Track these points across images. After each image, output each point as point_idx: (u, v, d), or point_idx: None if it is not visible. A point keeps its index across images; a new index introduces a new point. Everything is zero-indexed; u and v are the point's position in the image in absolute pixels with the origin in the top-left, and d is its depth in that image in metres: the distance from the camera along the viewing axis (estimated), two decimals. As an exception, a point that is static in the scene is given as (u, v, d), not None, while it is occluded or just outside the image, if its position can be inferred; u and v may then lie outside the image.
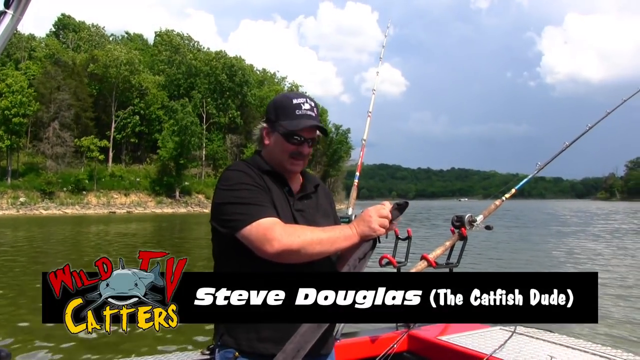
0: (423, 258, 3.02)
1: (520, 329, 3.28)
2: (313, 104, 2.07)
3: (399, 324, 3.36)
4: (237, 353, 1.92)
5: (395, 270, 3.31)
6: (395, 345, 3.14)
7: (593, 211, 71.04)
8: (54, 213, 61.91)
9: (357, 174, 3.73)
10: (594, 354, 2.88)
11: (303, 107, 2.04)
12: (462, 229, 3.05)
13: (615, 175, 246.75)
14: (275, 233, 1.80)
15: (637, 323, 8.36)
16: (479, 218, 3.10)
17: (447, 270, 3.24)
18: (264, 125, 2.10)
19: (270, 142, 2.08)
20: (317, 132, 2.09)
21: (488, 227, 3.14)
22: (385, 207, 1.98)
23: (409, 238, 3.33)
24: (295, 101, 2.06)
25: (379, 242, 2.01)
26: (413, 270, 2.98)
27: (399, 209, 1.99)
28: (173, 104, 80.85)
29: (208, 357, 2.61)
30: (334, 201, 2.35)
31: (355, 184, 3.67)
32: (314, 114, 2.07)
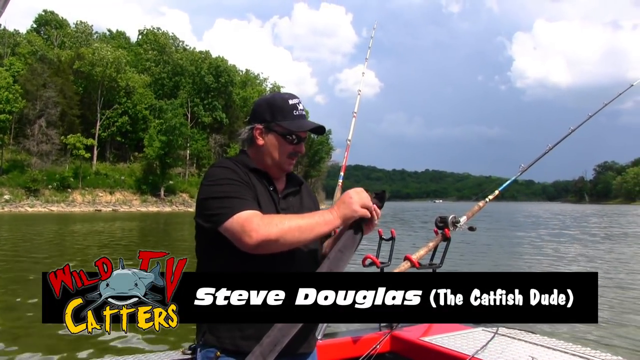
0: (406, 259, 2.96)
1: (502, 330, 3.24)
2: (302, 104, 2.10)
3: (382, 325, 3.31)
4: (218, 352, 1.88)
5: (378, 271, 3.24)
6: (378, 346, 3.10)
7: (569, 213, 71.81)
8: (40, 210, 60.81)
9: (342, 174, 3.67)
10: (574, 355, 2.87)
11: (298, 108, 2.06)
12: (446, 229, 2.99)
13: (585, 178, 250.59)
14: (253, 224, 1.76)
15: (618, 324, 8.39)
16: (463, 219, 3.05)
17: (430, 271, 3.19)
18: (257, 125, 2.06)
19: (264, 142, 2.05)
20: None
21: (471, 228, 3.09)
22: (361, 189, 1.94)
23: (392, 239, 3.27)
24: (291, 102, 2.06)
25: (363, 232, 1.95)
26: (396, 271, 2.92)
27: (378, 198, 1.95)
28: (161, 104, 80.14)
29: (189, 356, 2.53)
30: (317, 200, 2.32)
31: (340, 184, 3.61)
32: (304, 112, 2.10)
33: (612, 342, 7.27)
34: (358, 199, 1.88)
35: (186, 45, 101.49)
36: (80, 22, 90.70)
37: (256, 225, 1.75)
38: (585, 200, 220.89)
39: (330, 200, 3.57)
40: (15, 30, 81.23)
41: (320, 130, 2.08)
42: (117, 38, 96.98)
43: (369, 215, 1.91)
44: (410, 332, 3.23)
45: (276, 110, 2.04)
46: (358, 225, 1.92)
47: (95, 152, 75.04)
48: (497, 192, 3.20)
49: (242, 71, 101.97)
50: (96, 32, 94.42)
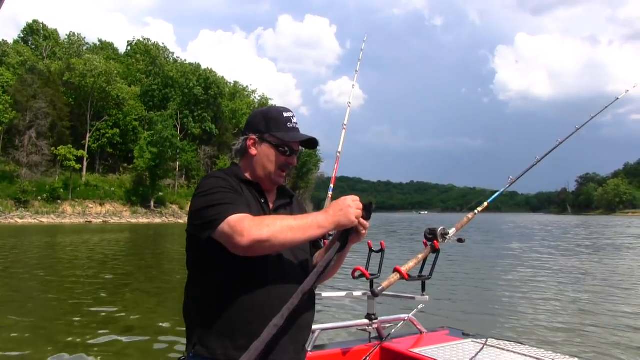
0: (395, 270, 2.92)
1: (491, 341, 3.21)
2: (296, 119, 2.10)
3: (371, 337, 3.27)
4: None
5: (368, 282, 3.22)
6: (367, 358, 3.08)
7: (554, 224, 72.12)
8: (30, 222, 59.88)
9: (332, 185, 3.64)
10: None
11: (292, 121, 2.07)
12: (435, 241, 2.96)
13: (567, 190, 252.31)
14: (244, 224, 1.73)
15: (607, 335, 8.36)
16: (452, 231, 3.01)
17: (419, 282, 3.17)
18: (251, 135, 2.06)
19: (257, 153, 2.05)
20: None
21: (460, 240, 3.05)
22: (357, 198, 1.88)
23: (382, 250, 3.25)
24: (285, 115, 2.07)
25: (350, 243, 1.90)
26: (385, 283, 2.88)
27: (365, 209, 1.88)
28: (152, 115, 79.68)
29: None
30: (307, 213, 2.27)
31: (330, 195, 3.59)
32: (298, 126, 2.09)
33: (600, 353, 7.24)
34: (355, 208, 1.84)
35: (177, 57, 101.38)
36: (73, 33, 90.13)
37: (247, 225, 1.72)
38: (568, 212, 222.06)
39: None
40: (3, 40, 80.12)
41: (313, 143, 2.08)
42: (106, 49, 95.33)
43: (360, 226, 1.87)
44: (400, 343, 3.20)
45: (271, 121, 2.04)
46: (345, 238, 1.88)
47: (85, 163, 74.26)
48: (486, 204, 3.17)
49: (230, 83, 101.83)
50: (87, 44, 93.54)
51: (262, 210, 1.98)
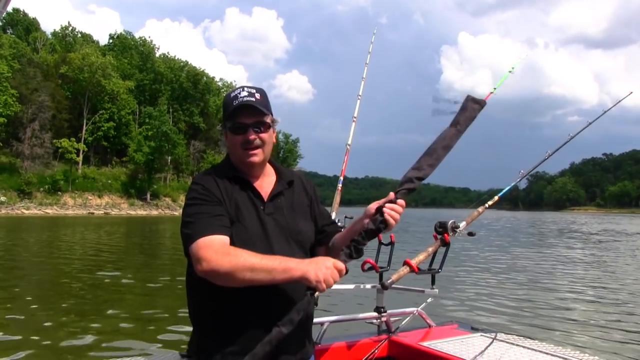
0: (405, 263, 2.66)
1: (501, 335, 3.00)
2: (253, 91, 1.82)
3: (380, 330, 3.03)
4: None
5: (377, 275, 2.95)
6: (376, 351, 2.92)
7: (514, 220, 72.04)
8: (36, 213, 58.39)
9: (341, 178, 3.40)
10: None
11: (239, 96, 1.79)
12: (445, 235, 2.72)
13: (518, 187, 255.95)
14: (206, 253, 1.61)
15: (614, 330, 8.06)
16: (462, 225, 2.78)
17: (429, 275, 2.95)
18: (223, 129, 1.88)
19: (227, 143, 1.87)
20: (268, 115, 1.81)
21: (471, 234, 2.87)
22: (343, 265, 1.65)
23: (392, 243, 3.07)
24: (232, 94, 1.83)
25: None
26: (395, 276, 2.61)
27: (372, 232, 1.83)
28: (150, 110, 77.53)
29: None
30: (316, 190, 2.07)
31: (339, 188, 3.35)
32: (253, 99, 1.79)
33: (610, 347, 6.94)
34: (331, 271, 1.61)
35: (164, 52, 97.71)
36: (69, 24, 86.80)
37: (209, 255, 1.60)
38: (520, 208, 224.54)
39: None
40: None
41: (251, 107, 1.77)
42: (87, 42, 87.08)
43: (324, 290, 1.61)
44: (408, 337, 3.00)
45: (225, 107, 1.85)
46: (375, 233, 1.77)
47: (81, 156, 71.54)
48: (496, 197, 3.00)
49: (218, 80, 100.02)
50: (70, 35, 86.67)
51: (252, 204, 1.80)
